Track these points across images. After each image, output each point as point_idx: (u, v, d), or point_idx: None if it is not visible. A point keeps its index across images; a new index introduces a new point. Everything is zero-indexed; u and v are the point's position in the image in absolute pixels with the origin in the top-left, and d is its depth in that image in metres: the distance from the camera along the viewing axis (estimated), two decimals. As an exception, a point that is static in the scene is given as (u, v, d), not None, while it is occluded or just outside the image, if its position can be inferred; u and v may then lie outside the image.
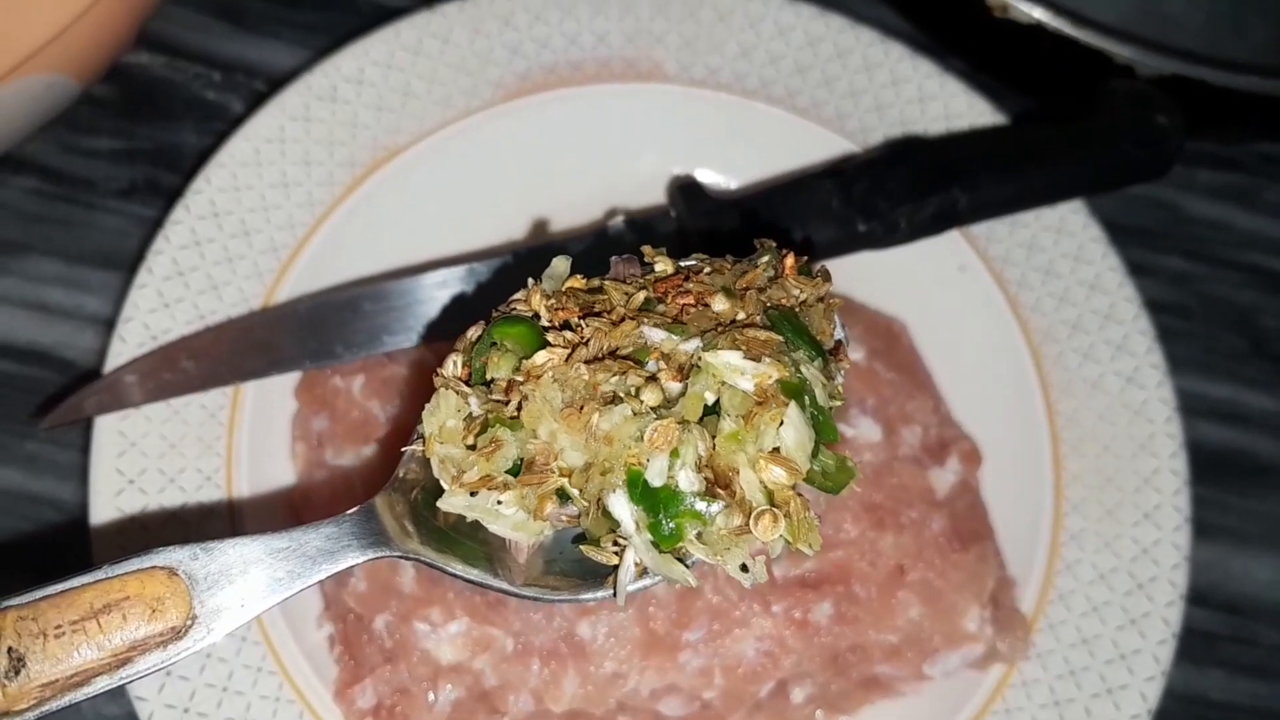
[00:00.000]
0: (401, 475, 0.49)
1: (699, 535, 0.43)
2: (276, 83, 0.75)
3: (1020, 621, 0.63)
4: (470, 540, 0.48)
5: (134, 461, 0.62)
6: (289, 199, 0.69)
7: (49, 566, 0.66)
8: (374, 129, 0.71)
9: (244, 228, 0.68)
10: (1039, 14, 0.71)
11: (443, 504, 0.45)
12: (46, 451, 0.69)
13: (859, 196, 0.67)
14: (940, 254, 0.72)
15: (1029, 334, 0.70)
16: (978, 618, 0.62)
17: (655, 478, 0.42)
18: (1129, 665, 0.63)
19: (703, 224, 0.67)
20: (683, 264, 0.49)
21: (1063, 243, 0.72)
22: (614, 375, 0.43)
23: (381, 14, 0.78)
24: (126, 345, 0.64)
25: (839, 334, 0.49)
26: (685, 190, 0.69)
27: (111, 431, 0.62)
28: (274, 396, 0.66)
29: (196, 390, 0.63)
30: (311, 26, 0.80)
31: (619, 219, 0.69)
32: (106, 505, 0.61)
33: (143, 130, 0.77)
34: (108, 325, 0.70)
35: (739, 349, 0.43)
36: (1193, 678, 0.72)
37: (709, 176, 0.74)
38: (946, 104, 0.74)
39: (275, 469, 0.65)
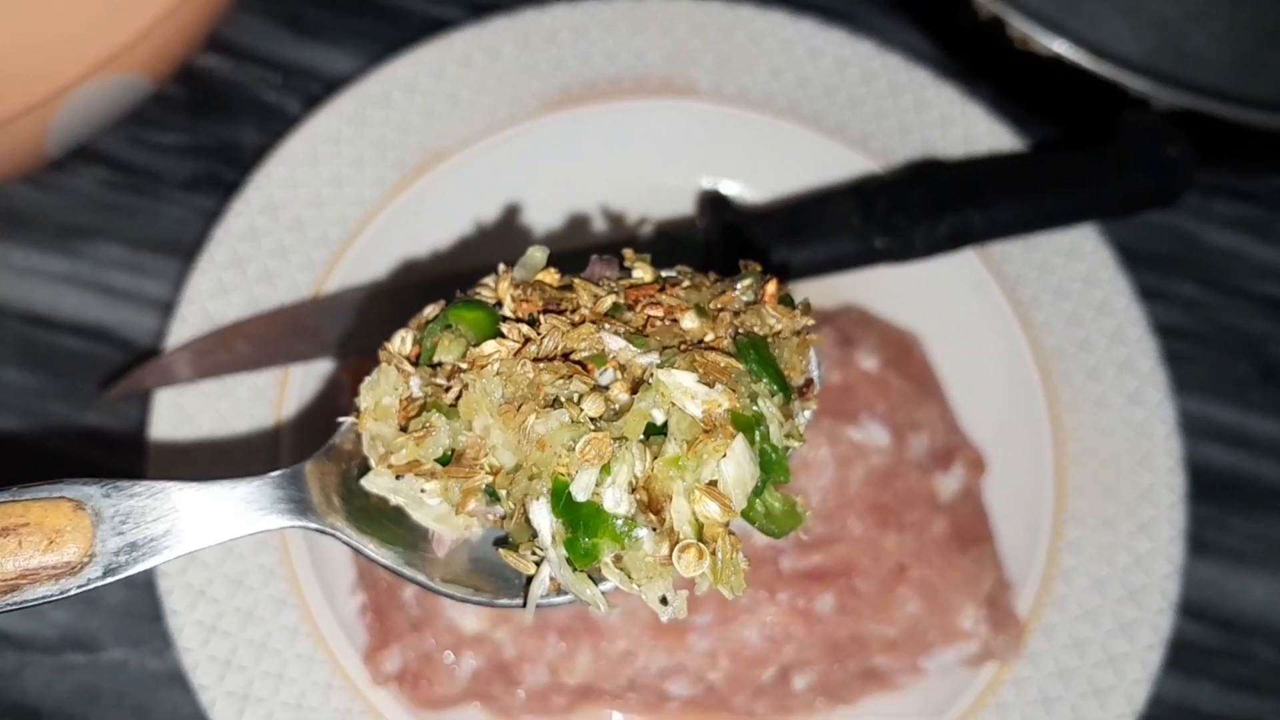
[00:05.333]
0: (337, 444, 0.48)
1: (618, 559, 0.41)
2: (333, 87, 0.79)
3: (1015, 622, 0.66)
4: (397, 526, 0.47)
5: (188, 433, 0.67)
6: (341, 196, 0.73)
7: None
8: (423, 134, 0.75)
9: (299, 221, 0.72)
10: (1058, 47, 0.74)
11: (366, 482, 0.45)
12: (108, 423, 0.74)
13: (878, 214, 0.70)
14: (956, 272, 0.75)
15: (1038, 351, 0.73)
16: (973, 616, 0.65)
17: (580, 492, 0.40)
18: (1116, 669, 0.66)
19: (728, 234, 0.71)
20: (664, 274, 0.47)
21: (1074, 265, 0.75)
22: (560, 378, 0.41)
23: (433, 25, 0.83)
24: (186, 326, 0.69)
25: (813, 372, 0.47)
26: (713, 202, 0.73)
27: (169, 404, 0.67)
28: (319, 379, 0.70)
29: (248, 370, 0.68)
30: (368, 35, 0.85)
31: (648, 227, 0.73)
32: (163, 473, 0.66)
33: (206, 128, 0.82)
34: (166, 308, 0.75)
35: (695, 371, 0.41)
36: (1186, 689, 0.74)
37: (736, 190, 0.78)
38: (967, 129, 0.77)
39: (317, 445, 0.70)
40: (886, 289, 0.75)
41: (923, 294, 0.75)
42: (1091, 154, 0.73)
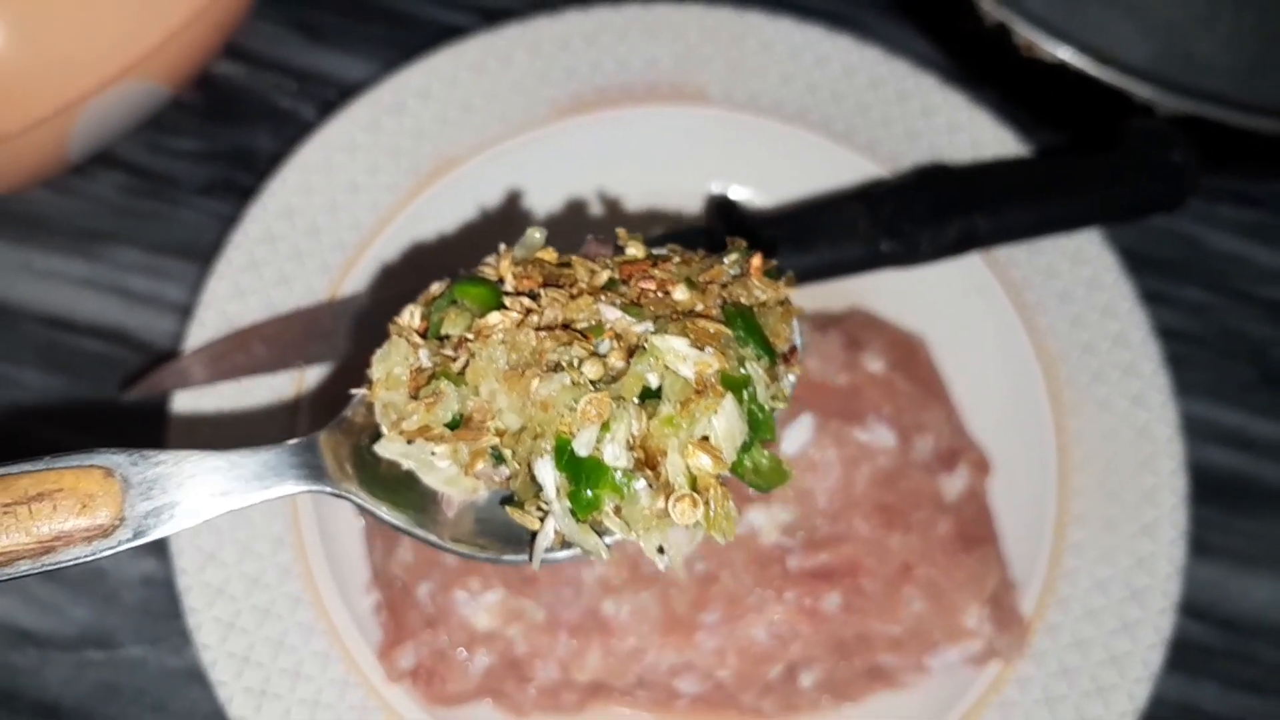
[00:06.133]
0: (349, 416, 0.50)
1: (619, 510, 0.44)
2: (347, 93, 0.81)
3: (1018, 622, 0.67)
4: (407, 491, 0.49)
5: (205, 434, 0.68)
6: (356, 202, 0.74)
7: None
8: (436, 140, 0.76)
9: (314, 227, 0.73)
10: (1063, 54, 0.75)
11: (379, 448, 0.47)
12: (126, 424, 0.75)
13: (885, 218, 0.71)
14: (962, 276, 0.76)
15: (1042, 354, 0.74)
16: (977, 616, 0.66)
17: (582, 448, 0.43)
18: (1119, 667, 0.67)
19: (736, 238, 0.72)
20: (655, 252, 0.50)
21: (1078, 270, 0.76)
22: (560, 344, 0.44)
23: (446, 32, 0.84)
24: (204, 329, 0.70)
25: (796, 340, 0.50)
26: (722, 207, 0.74)
27: (187, 406, 0.68)
28: (334, 381, 0.71)
29: (265, 372, 0.69)
30: (381, 42, 0.86)
31: (657, 231, 0.74)
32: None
33: (223, 134, 0.84)
34: (184, 311, 0.76)
35: (687, 336, 0.44)
36: (1188, 689, 0.75)
37: (745, 195, 0.79)
38: (974, 134, 0.78)
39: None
40: (893, 293, 0.76)
41: (929, 298, 0.76)
42: (1097, 159, 0.74)
